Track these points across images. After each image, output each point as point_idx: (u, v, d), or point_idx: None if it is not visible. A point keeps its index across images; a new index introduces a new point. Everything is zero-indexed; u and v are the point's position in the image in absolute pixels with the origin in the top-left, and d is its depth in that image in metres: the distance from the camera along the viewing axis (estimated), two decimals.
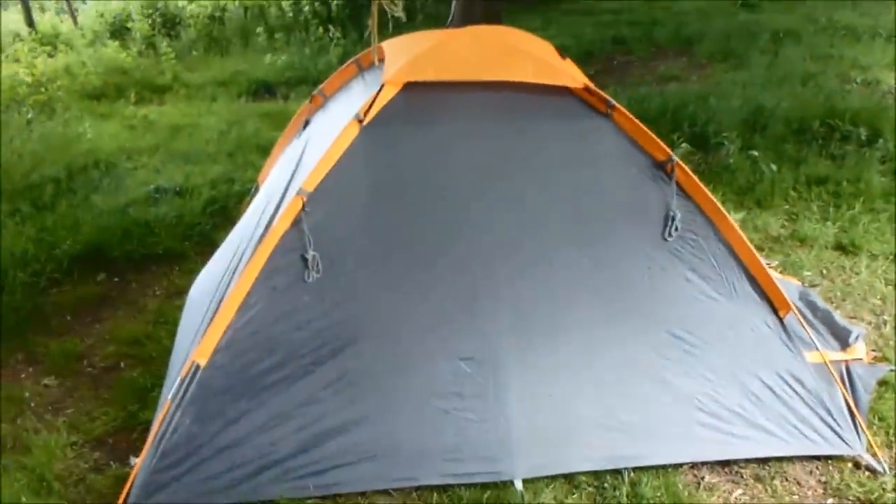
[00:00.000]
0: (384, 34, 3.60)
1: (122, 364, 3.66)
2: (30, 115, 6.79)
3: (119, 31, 10.30)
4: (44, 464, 2.96)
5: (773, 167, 5.23)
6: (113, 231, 4.70)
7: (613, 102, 2.92)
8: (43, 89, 7.75)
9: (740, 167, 5.34)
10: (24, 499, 2.78)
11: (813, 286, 3.99)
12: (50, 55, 9.19)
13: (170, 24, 10.42)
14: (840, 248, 4.39)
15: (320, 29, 9.74)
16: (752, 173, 5.27)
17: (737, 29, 9.37)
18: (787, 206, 4.94)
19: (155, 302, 4.20)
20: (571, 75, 2.97)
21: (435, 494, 2.75)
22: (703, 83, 7.57)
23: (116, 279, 4.46)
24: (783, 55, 8.10)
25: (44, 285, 4.28)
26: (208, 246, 4.64)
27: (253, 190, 4.35)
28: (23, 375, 3.62)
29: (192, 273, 4.26)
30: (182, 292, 4.17)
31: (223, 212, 5.12)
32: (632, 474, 2.79)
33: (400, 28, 3.53)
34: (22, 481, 2.88)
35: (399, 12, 3.30)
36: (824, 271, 4.19)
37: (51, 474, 2.92)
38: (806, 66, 7.58)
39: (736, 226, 2.92)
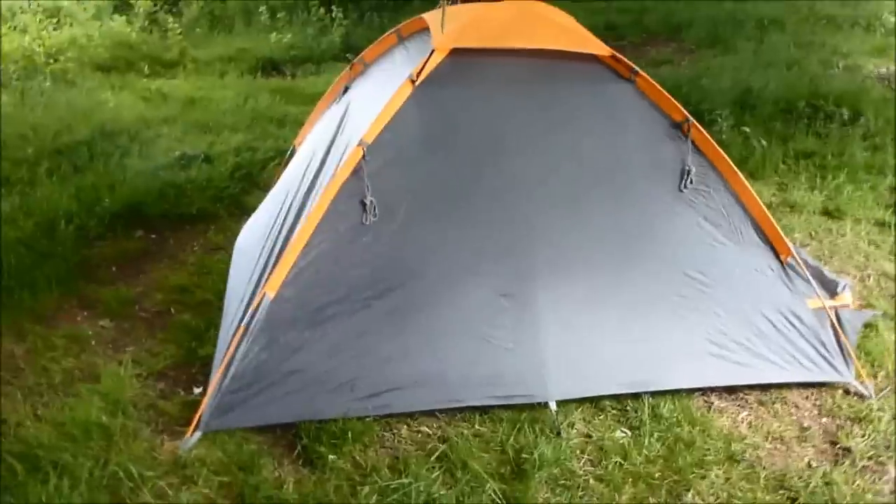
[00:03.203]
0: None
1: (173, 309, 3.90)
2: (47, 84, 6.99)
3: (120, 6, 10.42)
4: (116, 390, 3.21)
5: (764, 142, 5.65)
6: (148, 192, 4.95)
7: (637, 69, 3.27)
8: (52, 60, 7.94)
9: (733, 142, 5.72)
10: (104, 418, 3.06)
11: (803, 246, 4.39)
12: (55, 28, 9.32)
13: (172, 0, 10.56)
14: (827, 213, 4.83)
15: (321, 9, 9.97)
16: (744, 148, 5.66)
17: (723, 17, 9.76)
18: (777, 178, 5.36)
19: (194, 256, 4.45)
20: (599, 44, 3.30)
21: (477, 417, 3.07)
22: (694, 67, 7.95)
23: (154, 236, 4.71)
24: (768, 42, 8.52)
25: (89, 238, 4.53)
26: (238, 208, 4.93)
27: (289, 152, 4.64)
28: (78, 318, 3.84)
29: (227, 231, 4.57)
30: (220, 248, 4.47)
31: (249, 177, 5.40)
32: (650, 399, 3.14)
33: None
34: (99, 405, 3.12)
35: None
36: (813, 234, 4.61)
37: (124, 399, 3.18)
38: (790, 52, 8.00)
39: (743, 179, 3.29)
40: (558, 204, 3.20)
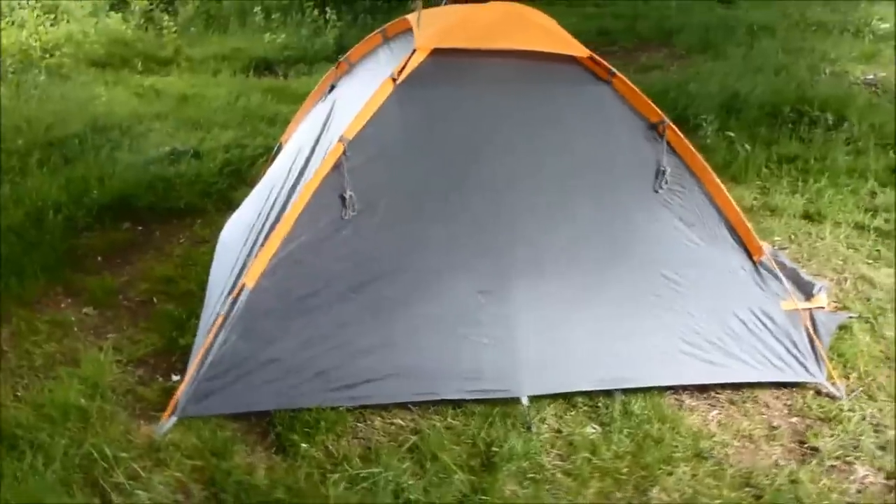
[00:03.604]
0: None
1: (156, 299, 3.95)
2: (42, 78, 7.05)
3: (117, 4, 10.48)
4: (95, 375, 3.25)
5: (748, 147, 5.73)
6: (137, 185, 5.01)
7: (615, 71, 3.31)
8: (48, 55, 8.01)
9: (717, 146, 5.79)
10: (83, 401, 3.09)
11: (782, 249, 4.44)
12: (51, 24, 9.38)
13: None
14: (807, 216, 4.89)
15: (315, 11, 10.03)
16: (728, 152, 5.73)
17: (715, 23, 9.84)
18: (759, 182, 5.42)
19: (180, 248, 4.52)
20: (577, 45, 3.35)
21: (450, 410, 3.11)
22: (683, 72, 8.01)
23: (141, 228, 4.77)
24: (758, 48, 8.58)
25: (77, 229, 4.58)
26: (226, 204, 4.96)
27: (276, 148, 4.69)
28: (62, 305, 3.90)
29: (214, 225, 4.60)
30: (205, 241, 4.51)
31: (237, 173, 5.45)
32: (623, 396, 3.18)
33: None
34: (78, 388, 3.16)
35: None
36: (793, 237, 4.67)
37: (103, 383, 3.21)
38: (779, 58, 8.05)
39: (717, 180, 3.33)
40: (537, 203, 3.24)
